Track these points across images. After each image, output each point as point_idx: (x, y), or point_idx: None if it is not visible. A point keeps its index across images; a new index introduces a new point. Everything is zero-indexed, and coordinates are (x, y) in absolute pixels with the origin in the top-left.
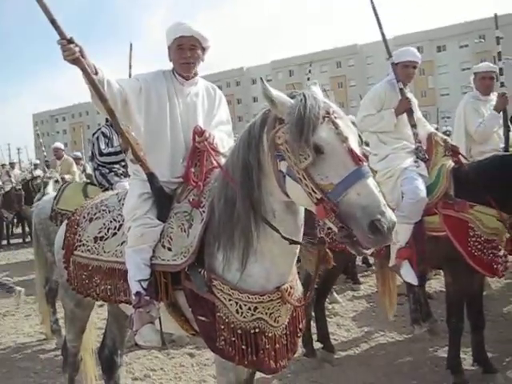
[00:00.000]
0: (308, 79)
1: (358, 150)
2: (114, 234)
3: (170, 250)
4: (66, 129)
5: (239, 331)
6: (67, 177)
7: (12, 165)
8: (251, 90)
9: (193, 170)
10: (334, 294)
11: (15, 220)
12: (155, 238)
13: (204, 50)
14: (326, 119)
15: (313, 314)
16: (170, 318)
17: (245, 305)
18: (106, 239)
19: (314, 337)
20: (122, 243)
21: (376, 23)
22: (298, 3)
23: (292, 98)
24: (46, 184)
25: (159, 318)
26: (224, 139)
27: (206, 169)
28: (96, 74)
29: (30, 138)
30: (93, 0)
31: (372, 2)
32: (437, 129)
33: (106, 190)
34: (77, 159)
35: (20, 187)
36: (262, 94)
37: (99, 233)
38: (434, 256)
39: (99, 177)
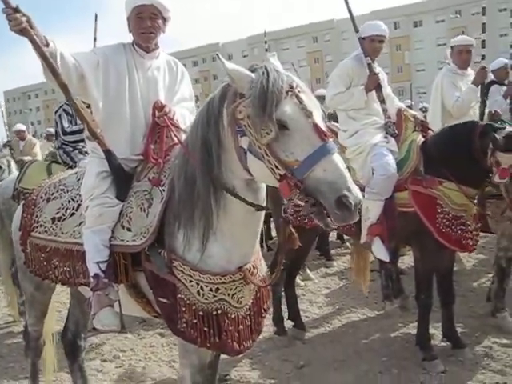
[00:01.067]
0: (266, 50)
1: (323, 126)
2: (72, 214)
3: (129, 230)
4: (39, 106)
5: (201, 313)
6: (26, 158)
7: None
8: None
9: (152, 146)
10: (307, 270)
11: None
12: (114, 217)
13: (165, 20)
14: (290, 93)
15: (283, 292)
16: (131, 300)
17: (206, 286)
18: (63, 220)
19: (286, 315)
20: (80, 224)
21: None
22: None
23: (253, 71)
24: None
25: (119, 301)
26: (186, 116)
27: (167, 146)
28: (47, 45)
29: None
30: None
31: None
32: (411, 105)
33: (71, 168)
34: (50, 135)
35: None
36: (222, 68)
37: (57, 213)
38: (404, 232)
39: (63, 155)
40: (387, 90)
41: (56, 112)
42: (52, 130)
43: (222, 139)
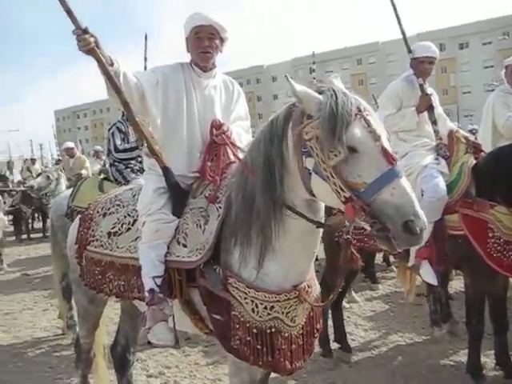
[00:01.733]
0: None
1: (390, 149)
2: (128, 229)
3: (185, 246)
4: (88, 125)
5: (255, 331)
6: (83, 172)
7: (33, 160)
8: (271, 88)
9: (209, 164)
10: (353, 293)
11: (36, 215)
12: (170, 233)
13: (222, 40)
14: (358, 116)
15: (330, 313)
16: (185, 316)
17: (261, 303)
18: (119, 234)
19: (332, 337)
20: (136, 239)
21: (395, 19)
22: (318, 2)
23: (320, 93)
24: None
25: (173, 316)
26: (242, 134)
27: (224, 163)
28: (111, 65)
29: (52, 134)
30: None
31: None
32: (459, 127)
33: (122, 186)
34: (98, 153)
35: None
36: (289, 90)
37: (113, 228)
38: (454, 256)
39: (115, 173)
40: (438, 110)
41: (109, 130)
42: (100, 148)
43: (285, 159)
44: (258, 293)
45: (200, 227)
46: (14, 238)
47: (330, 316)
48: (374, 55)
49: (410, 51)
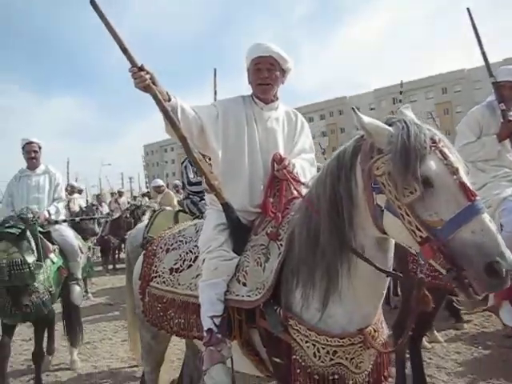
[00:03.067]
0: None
1: (469, 183)
2: (190, 265)
3: (244, 285)
4: (174, 159)
5: (316, 376)
6: (168, 208)
7: (120, 193)
8: (354, 119)
9: (271, 200)
10: (435, 332)
11: (122, 245)
12: (230, 271)
13: (284, 72)
14: (433, 148)
15: (407, 355)
16: (244, 357)
17: (323, 348)
18: (181, 271)
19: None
20: (197, 276)
21: (476, 40)
22: (399, 32)
23: (390, 125)
24: (143, 212)
25: (231, 358)
26: (306, 168)
27: (286, 199)
28: (169, 100)
29: (141, 168)
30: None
31: (471, 19)
32: None
33: (197, 218)
34: (177, 187)
35: (128, 215)
36: (357, 122)
37: (175, 264)
38: None
39: (190, 205)
40: None
41: (182, 163)
42: (178, 182)
43: (354, 195)
44: (320, 336)
45: (260, 265)
46: (101, 267)
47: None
48: (460, 83)
49: (491, 75)
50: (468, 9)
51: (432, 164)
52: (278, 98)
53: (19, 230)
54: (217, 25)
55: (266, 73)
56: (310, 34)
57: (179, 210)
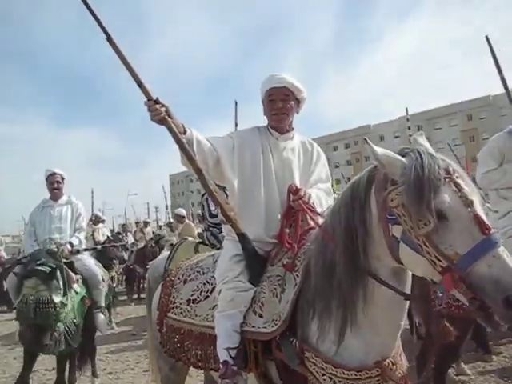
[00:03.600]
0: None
1: (484, 216)
2: (207, 296)
3: (261, 316)
4: (200, 188)
5: None
6: (190, 239)
7: (146, 223)
8: (367, 150)
9: (287, 230)
10: (462, 364)
11: (147, 275)
12: (246, 302)
13: (299, 101)
14: (447, 180)
15: None
16: None
17: (340, 381)
18: (198, 302)
19: None
20: (213, 307)
21: (496, 67)
22: (422, 58)
23: (403, 155)
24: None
25: None
26: (322, 198)
27: (302, 230)
28: (184, 132)
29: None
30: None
31: (490, 46)
32: None
33: (218, 249)
34: (200, 217)
35: (154, 244)
36: (370, 154)
37: (192, 295)
38: None
39: (210, 237)
40: None
41: (203, 196)
42: (200, 213)
43: (368, 226)
44: (337, 369)
45: (276, 296)
46: (125, 297)
47: None
48: (486, 110)
49: (511, 101)
50: (487, 36)
51: (446, 196)
52: (293, 129)
53: (49, 269)
54: (239, 57)
55: (280, 103)
56: (334, 62)
57: (200, 242)
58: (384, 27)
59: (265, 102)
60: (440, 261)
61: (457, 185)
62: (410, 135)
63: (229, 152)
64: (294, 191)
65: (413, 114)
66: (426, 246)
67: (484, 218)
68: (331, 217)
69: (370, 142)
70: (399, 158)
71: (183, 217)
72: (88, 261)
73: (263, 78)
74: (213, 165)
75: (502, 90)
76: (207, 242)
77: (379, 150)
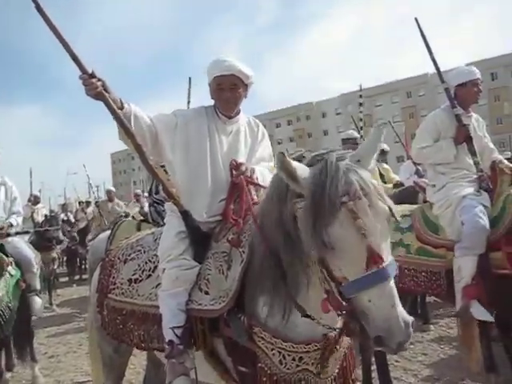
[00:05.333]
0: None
1: (380, 246)
2: (149, 275)
3: (207, 293)
4: (141, 166)
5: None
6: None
7: (88, 203)
8: (321, 124)
9: (232, 206)
10: None
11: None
12: (191, 280)
13: (247, 86)
14: (344, 206)
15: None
16: (209, 367)
17: (289, 355)
18: (140, 281)
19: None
20: (156, 286)
21: (426, 50)
22: (363, 36)
23: (311, 165)
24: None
25: (195, 369)
26: (266, 174)
27: (247, 205)
28: (122, 108)
29: (108, 177)
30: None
31: (420, 29)
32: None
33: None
34: (137, 196)
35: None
36: (279, 168)
37: (134, 274)
38: (505, 297)
39: (154, 214)
40: (485, 140)
41: None
42: (139, 191)
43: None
44: (286, 343)
45: (223, 273)
46: (67, 278)
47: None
48: (424, 87)
49: (443, 81)
50: (416, 18)
51: (336, 228)
52: (239, 112)
53: None
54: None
55: (228, 93)
56: (276, 39)
57: (142, 220)
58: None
59: (212, 87)
60: (324, 283)
61: (353, 212)
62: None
63: (170, 131)
64: (235, 167)
65: (355, 91)
66: (322, 272)
67: (379, 248)
68: (261, 207)
69: (287, 155)
70: (302, 172)
71: (112, 192)
72: (19, 243)
73: (210, 61)
74: (151, 142)
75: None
76: (150, 220)
77: (291, 163)
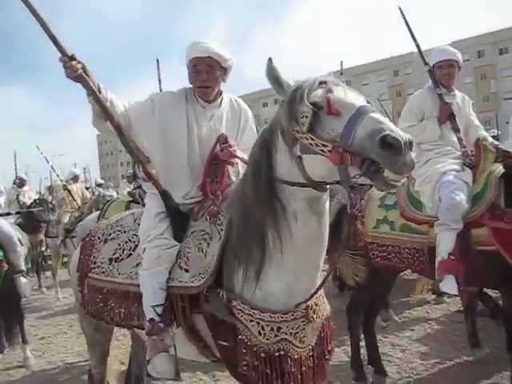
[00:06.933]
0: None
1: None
2: (130, 254)
3: (187, 271)
4: None
5: (262, 354)
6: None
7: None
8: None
9: (209, 179)
10: (390, 310)
11: None
12: (171, 259)
13: (225, 69)
14: (322, 85)
15: (362, 334)
16: (189, 343)
17: (267, 325)
18: (120, 260)
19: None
20: (137, 265)
21: (407, 30)
22: (350, 16)
23: None
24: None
25: (174, 347)
26: None
27: (226, 183)
28: (99, 92)
29: (94, 158)
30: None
31: (402, 14)
32: (499, 135)
33: None
34: (129, 177)
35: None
36: (266, 74)
37: (114, 254)
38: (487, 274)
39: (143, 194)
40: (470, 118)
41: None
42: (131, 172)
43: (277, 163)
44: (264, 314)
45: (202, 251)
46: None
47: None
48: (410, 66)
49: (426, 63)
50: (399, 7)
51: (319, 91)
52: (220, 95)
53: None
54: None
55: (204, 75)
56: (262, 18)
57: (131, 201)
58: None
59: (189, 70)
60: (325, 146)
61: (329, 88)
62: None
63: (145, 119)
64: (223, 140)
65: (344, 69)
66: (313, 139)
67: (357, 99)
68: (247, 167)
69: (273, 63)
70: (286, 82)
71: (77, 176)
72: (1, 223)
73: (188, 44)
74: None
75: (425, 47)
76: (139, 200)
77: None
